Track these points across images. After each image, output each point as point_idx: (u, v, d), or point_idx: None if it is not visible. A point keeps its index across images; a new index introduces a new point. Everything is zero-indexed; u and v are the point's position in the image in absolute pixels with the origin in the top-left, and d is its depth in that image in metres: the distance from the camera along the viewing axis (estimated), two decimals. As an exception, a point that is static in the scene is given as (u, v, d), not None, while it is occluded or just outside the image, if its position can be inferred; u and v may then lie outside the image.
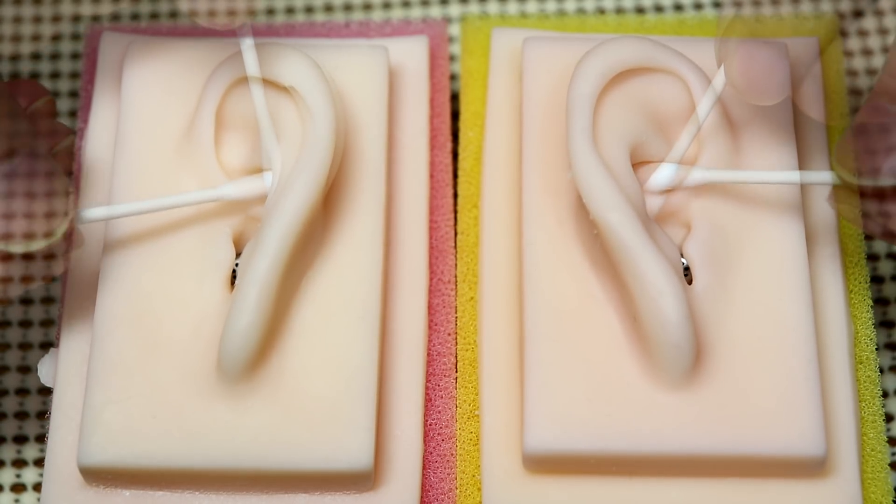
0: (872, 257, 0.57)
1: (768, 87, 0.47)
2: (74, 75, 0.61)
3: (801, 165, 0.52)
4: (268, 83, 0.50)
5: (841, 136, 0.46)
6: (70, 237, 0.47)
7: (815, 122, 0.53)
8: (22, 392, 0.55)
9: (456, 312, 0.52)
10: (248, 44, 0.48)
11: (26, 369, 0.55)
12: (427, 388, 0.51)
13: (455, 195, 0.55)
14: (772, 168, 0.51)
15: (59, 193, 0.45)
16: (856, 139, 0.45)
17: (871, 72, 0.61)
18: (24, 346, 0.56)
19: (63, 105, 0.60)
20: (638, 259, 0.47)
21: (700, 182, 0.49)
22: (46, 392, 0.54)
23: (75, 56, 0.62)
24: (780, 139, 0.51)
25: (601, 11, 0.62)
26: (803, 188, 0.52)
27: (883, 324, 0.56)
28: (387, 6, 0.63)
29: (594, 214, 0.47)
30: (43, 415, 0.54)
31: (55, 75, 0.61)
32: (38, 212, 0.45)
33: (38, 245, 0.45)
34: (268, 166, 0.50)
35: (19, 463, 0.54)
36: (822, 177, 0.47)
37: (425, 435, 0.50)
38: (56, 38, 0.62)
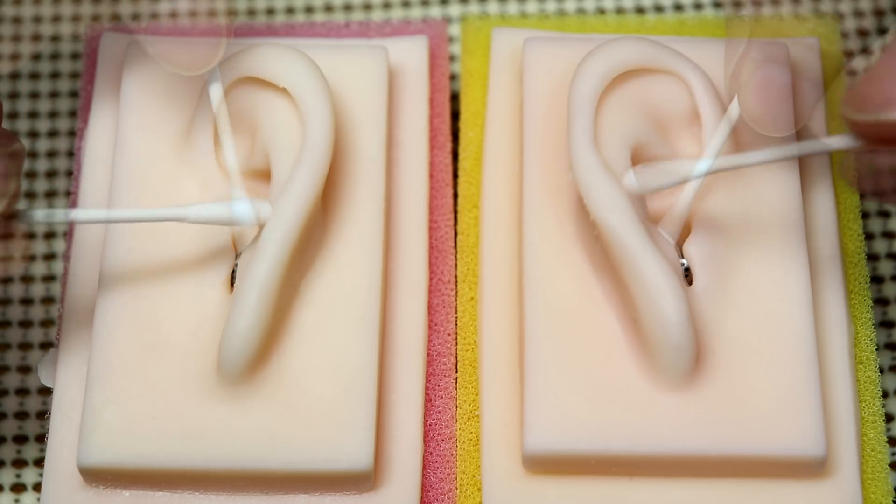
0: (872, 257, 0.57)
1: (781, 121, 0.47)
2: (74, 75, 0.61)
3: (802, 170, 0.52)
4: (265, 84, 0.50)
5: (850, 84, 0.44)
6: (15, 235, 0.46)
7: (815, 122, 0.53)
8: (22, 392, 0.55)
9: (456, 312, 0.52)
10: (216, 87, 0.49)
11: (26, 369, 0.55)
12: (427, 388, 0.51)
13: (455, 195, 0.55)
14: (773, 172, 0.51)
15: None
16: (870, 84, 0.43)
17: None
18: (24, 346, 0.56)
19: (63, 105, 0.60)
20: (638, 260, 0.47)
21: (699, 174, 0.48)
22: (46, 392, 0.54)
23: (75, 56, 0.62)
24: (780, 142, 0.51)
25: (601, 11, 0.62)
26: (804, 189, 0.52)
27: (883, 324, 0.56)
28: (387, 6, 0.63)
29: (594, 215, 0.47)
30: (43, 415, 0.54)
31: (55, 75, 0.61)
32: None
33: None
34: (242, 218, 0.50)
35: (19, 463, 0.54)
36: (825, 143, 0.46)
37: (425, 435, 0.50)
38: (56, 38, 0.62)
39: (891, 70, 0.43)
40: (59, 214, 0.47)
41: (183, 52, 0.47)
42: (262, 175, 0.51)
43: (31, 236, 0.57)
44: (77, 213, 0.48)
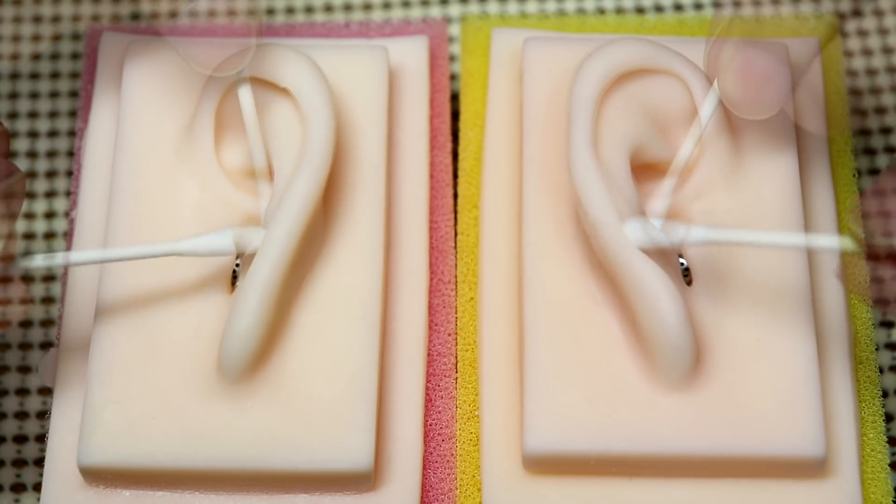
0: (872, 257, 0.57)
1: (761, 103, 0.47)
2: (74, 75, 0.61)
3: (802, 169, 0.52)
4: (266, 84, 0.50)
5: (854, 200, 0.45)
6: (13, 284, 0.46)
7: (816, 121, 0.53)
8: (22, 392, 0.55)
9: (456, 313, 0.52)
10: (245, 90, 0.49)
11: (26, 369, 0.55)
12: (427, 388, 0.51)
13: (455, 195, 0.55)
14: (773, 172, 0.51)
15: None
16: (872, 201, 0.44)
17: (870, 72, 0.61)
18: (24, 346, 0.56)
19: (63, 105, 0.60)
20: (634, 263, 0.47)
21: (698, 242, 0.48)
22: (46, 392, 0.54)
23: (75, 56, 0.62)
24: (780, 142, 0.51)
25: (601, 11, 0.62)
26: (804, 188, 0.52)
27: (883, 324, 0.56)
28: (387, 6, 0.63)
29: (589, 219, 0.47)
30: (43, 415, 0.54)
31: (55, 75, 0.61)
32: None
33: None
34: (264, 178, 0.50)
35: (19, 463, 0.54)
36: (829, 241, 0.46)
37: (425, 435, 0.50)
38: (56, 38, 0.62)
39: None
40: (58, 258, 0.47)
41: (213, 53, 0.47)
42: (263, 174, 0.51)
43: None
44: (75, 256, 0.47)
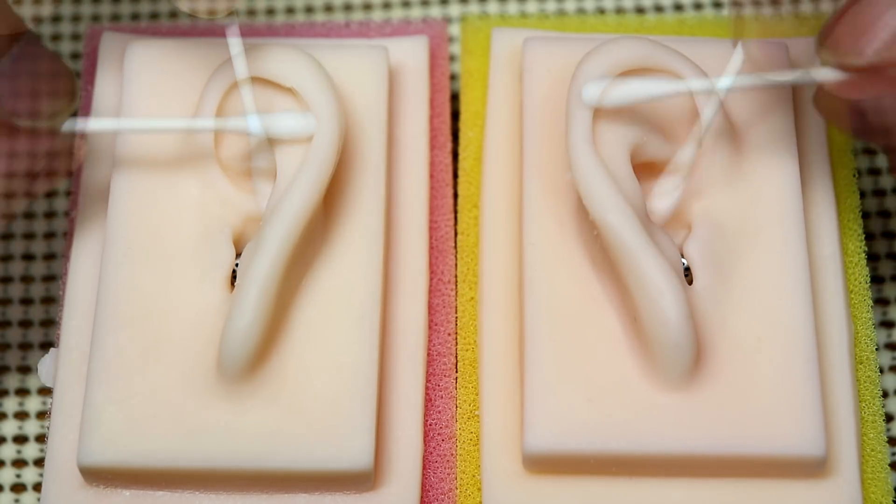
0: (872, 257, 0.57)
1: (777, 62, 0.47)
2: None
3: (802, 169, 0.52)
4: (269, 83, 0.50)
5: (824, 23, 0.45)
6: (70, 146, 0.46)
7: (815, 122, 0.53)
8: (22, 392, 0.55)
9: (456, 312, 0.52)
10: (235, 42, 0.48)
11: (26, 369, 0.55)
12: (427, 388, 0.51)
13: (455, 195, 0.55)
14: (773, 172, 0.51)
15: (65, 75, 0.45)
16: (842, 21, 0.44)
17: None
18: (24, 346, 0.56)
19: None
20: (638, 259, 0.47)
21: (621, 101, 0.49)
22: (46, 392, 0.54)
23: (75, 56, 0.62)
24: (780, 142, 0.51)
25: (601, 11, 0.62)
26: (804, 189, 0.52)
27: (883, 324, 0.56)
28: (387, 6, 0.63)
29: (593, 215, 0.47)
30: (43, 415, 0.54)
31: (55, 75, 0.61)
32: (44, 89, 0.45)
33: (45, 122, 0.45)
34: (259, 165, 0.50)
35: (19, 463, 0.54)
36: (811, 74, 0.46)
37: (425, 435, 0.50)
38: (56, 38, 0.62)
39: (860, 14, 0.43)
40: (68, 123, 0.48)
41: None
42: (263, 174, 0.51)
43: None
44: (92, 123, 0.48)
